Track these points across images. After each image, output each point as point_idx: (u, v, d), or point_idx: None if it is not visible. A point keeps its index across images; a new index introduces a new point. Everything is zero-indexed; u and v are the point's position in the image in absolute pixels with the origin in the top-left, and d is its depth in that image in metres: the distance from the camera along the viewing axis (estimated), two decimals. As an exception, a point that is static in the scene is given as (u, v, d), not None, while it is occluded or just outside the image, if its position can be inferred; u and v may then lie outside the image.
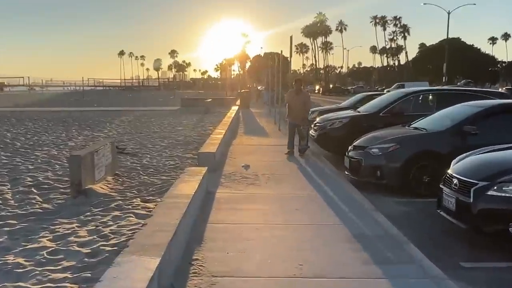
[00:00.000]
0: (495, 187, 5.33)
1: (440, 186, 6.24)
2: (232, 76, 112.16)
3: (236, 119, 20.90)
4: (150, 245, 3.93)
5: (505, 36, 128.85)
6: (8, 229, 5.60)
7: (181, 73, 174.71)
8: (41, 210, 6.52)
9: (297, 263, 4.62)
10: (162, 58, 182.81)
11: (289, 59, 16.10)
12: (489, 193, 5.36)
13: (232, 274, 4.40)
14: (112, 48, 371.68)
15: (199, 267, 4.54)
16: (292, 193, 7.81)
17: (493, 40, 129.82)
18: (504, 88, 38.10)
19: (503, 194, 5.26)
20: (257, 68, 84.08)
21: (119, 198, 7.19)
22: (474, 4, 65.53)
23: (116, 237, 5.28)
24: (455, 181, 5.84)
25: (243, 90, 44.45)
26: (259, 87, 64.27)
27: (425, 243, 5.54)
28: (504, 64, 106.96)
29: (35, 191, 7.57)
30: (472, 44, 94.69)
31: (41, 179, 8.45)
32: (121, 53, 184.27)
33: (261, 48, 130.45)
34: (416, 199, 7.76)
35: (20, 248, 4.96)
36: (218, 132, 13.10)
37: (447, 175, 6.15)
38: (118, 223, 5.83)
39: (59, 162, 10.38)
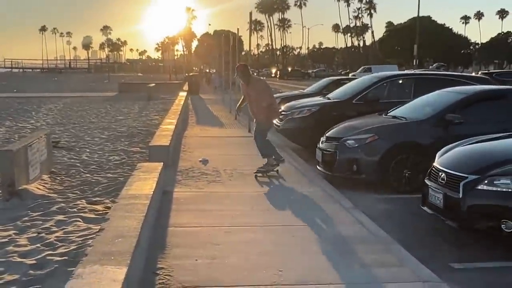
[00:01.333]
0: (486, 181, 5.59)
1: (425, 180, 6.49)
2: (176, 57, 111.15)
3: (185, 107, 20.80)
4: (113, 253, 3.89)
5: (478, 15, 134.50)
6: None
7: (115, 53, 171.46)
8: (-33, 216, 6.32)
9: (276, 269, 4.69)
10: (93, 35, 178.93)
11: (249, 38, 16.11)
12: (479, 187, 5.62)
13: (205, 284, 4.42)
14: (31, 22, 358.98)
15: (166, 276, 4.53)
16: (259, 191, 7.92)
17: (465, 19, 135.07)
18: (480, 73, 39.74)
19: (494, 189, 5.54)
20: (205, 48, 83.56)
21: (60, 200, 7.06)
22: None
23: (64, 245, 5.20)
24: (442, 175, 6.09)
25: (191, 74, 44.22)
26: (208, 70, 64.05)
27: (411, 243, 5.73)
28: (477, 46, 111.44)
29: (-44, 193, 7.31)
30: (444, 24, 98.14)
31: (-39, 179, 8.16)
32: (43, 28, 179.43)
33: (209, 25, 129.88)
34: (397, 195, 8.03)
35: (-51, 260, 4.80)
36: (168, 122, 13.00)
37: (433, 168, 6.40)
38: (64, 228, 5.74)
39: (-19, 159, 10.04)
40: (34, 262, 4.77)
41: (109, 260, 3.76)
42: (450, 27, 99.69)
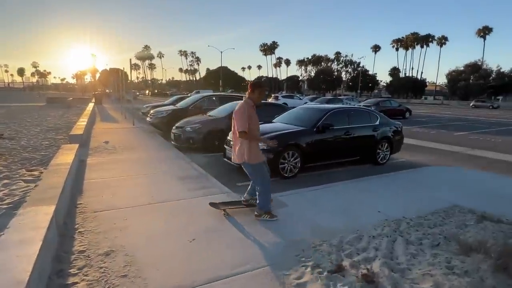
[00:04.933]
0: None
1: (225, 146, 6.75)
2: (86, 83, 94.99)
3: (93, 111, 18.07)
4: (45, 198, 3.31)
5: (249, 67, 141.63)
6: None
7: (43, 79, 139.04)
8: None
9: (150, 196, 4.51)
10: (25, 67, 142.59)
11: (129, 73, 14.50)
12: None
13: (107, 208, 4.03)
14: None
15: (83, 208, 4.02)
16: (140, 156, 7.35)
17: (243, 69, 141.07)
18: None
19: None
20: (105, 78, 72.97)
21: (6, 170, 5.63)
22: (233, 48, 69.70)
23: (10, 198, 4.20)
24: (231, 142, 6.37)
25: (97, 92, 38.41)
26: (107, 90, 56.39)
27: (218, 176, 5.94)
28: (249, 82, 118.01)
29: None
30: (234, 71, 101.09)
31: None
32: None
33: (107, 64, 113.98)
34: (212, 154, 8.18)
35: None
36: (82, 120, 11.20)
37: (227, 139, 6.68)
38: (9, 187, 4.62)
39: None
40: (-13, 210, 3.77)
41: (43, 202, 3.20)
42: (236, 72, 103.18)
